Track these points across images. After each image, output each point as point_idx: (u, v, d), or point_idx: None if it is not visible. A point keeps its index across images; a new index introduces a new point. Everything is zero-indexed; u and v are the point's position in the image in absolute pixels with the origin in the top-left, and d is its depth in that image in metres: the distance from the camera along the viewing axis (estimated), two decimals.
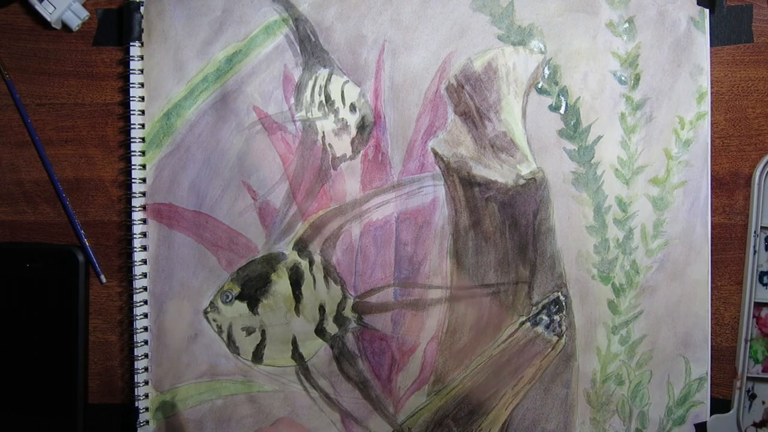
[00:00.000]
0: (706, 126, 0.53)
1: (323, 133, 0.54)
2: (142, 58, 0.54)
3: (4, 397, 0.54)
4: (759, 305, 0.54)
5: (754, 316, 0.54)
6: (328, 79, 0.54)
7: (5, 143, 0.55)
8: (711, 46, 0.53)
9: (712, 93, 0.53)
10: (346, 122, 0.54)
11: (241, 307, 0.54)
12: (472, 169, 0.54)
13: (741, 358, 0.53)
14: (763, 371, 0.54)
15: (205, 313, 0.54)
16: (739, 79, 0.54)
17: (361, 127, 0.54)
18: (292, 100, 0.54)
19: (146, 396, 0.54)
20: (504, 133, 0.53)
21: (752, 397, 0.54)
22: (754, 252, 0.53)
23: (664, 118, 0.53)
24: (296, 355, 0.54)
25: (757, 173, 0.53)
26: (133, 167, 0.54)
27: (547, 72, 0.53)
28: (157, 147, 0.54)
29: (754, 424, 0.54)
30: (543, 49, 0.53)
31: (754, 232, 0.53)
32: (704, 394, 0.53)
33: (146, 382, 0.54)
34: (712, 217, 0.53)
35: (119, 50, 0.55)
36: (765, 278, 0.54)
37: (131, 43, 0.54)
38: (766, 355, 0.54)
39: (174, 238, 0.54)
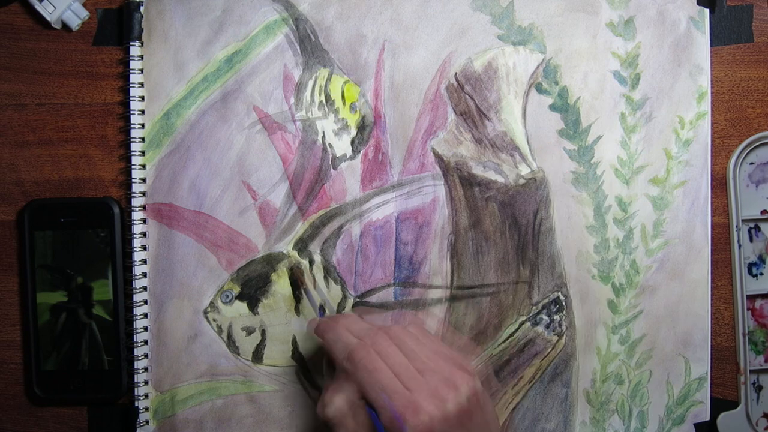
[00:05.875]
0: (706, 126, 0.53)
1: (323, 132, 0.54)
2: (142, 57, 0.54)
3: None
4: (752, 297, 0.54)
5: (748, 309, 0.54)
6: (328, 79, 0.54)
7: (5, 143, 0.55)
8: (711, 45, 0.53)
9: (712, 93, 0.53)
10: (346, 122, 0.54)
11: (241, 307, 0.54)
12: (472, 168, 0.54)
13: (741, 353, 0.53)
14: (766, 361, 0.54)
15: (205, 313, 0.54)
16: (739, 79, 0.54)
17: (361, 127, 0.54)
18: (292, 100, 0.54)
19: (146, 396, 0.54)
20: (504, 132, 0.53)
21: (759, 389, 0.54)
22: (739, 246, 0.53)
23: (664, 117, 0.53)
24: (296, 355, 0.54)
25: (731, 167, 0.53)
26: (133, 167, 0.54)
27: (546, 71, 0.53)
28: (157, 147, 0.54)
29: (765, 416, 0.54)
30: (543, 49, 0.53)
31: (736, 226, 0.53)
32: (704, 394, 0.54)
33: (146, 382, 0.54)
34: (712, 217, 0.53)
35: (119, 50, 0.55)
36: (754, 269, 0.54)
37: (131, 43, 0.54)
38: (767, 345, 0.54)
39: (174, 238, 0.54)
